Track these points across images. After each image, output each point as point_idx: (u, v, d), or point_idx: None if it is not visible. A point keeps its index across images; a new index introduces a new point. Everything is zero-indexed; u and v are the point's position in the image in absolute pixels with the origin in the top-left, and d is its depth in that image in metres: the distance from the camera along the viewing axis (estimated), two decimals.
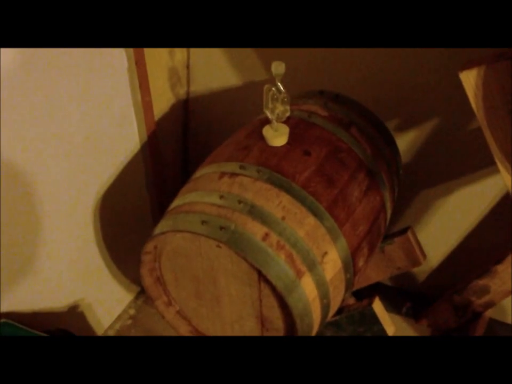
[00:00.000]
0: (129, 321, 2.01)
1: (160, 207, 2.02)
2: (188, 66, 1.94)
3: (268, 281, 1.21)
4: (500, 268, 1.60)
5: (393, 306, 1.97)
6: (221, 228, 1.21)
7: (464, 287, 1.70)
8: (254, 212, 1.23)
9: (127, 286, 2.04)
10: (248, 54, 1.81)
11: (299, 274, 1.22)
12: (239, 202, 1.24)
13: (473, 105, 1.10)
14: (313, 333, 1.33)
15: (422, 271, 1.96)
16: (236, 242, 1.20)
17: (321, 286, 1.26)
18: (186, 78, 1.96)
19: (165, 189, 2.01)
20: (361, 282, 1.69)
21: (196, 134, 2.09)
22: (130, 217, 1.93)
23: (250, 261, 1.19)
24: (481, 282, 1.65)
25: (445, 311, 1.79)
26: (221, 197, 1.26)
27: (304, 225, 1.26)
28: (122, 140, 1.76)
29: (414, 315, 1.96)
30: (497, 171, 1.23)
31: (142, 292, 2.09)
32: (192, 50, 1.89)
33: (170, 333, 1.57)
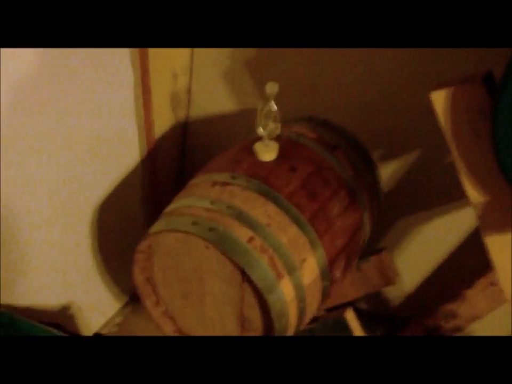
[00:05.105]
0: (115, 329, 2.07)
1: (154, 219, 2.10)
2: (189, 91, 2.06)
3: (250, 282, 1.31)
4: (469, 292, 1.69)
5: (367, 329, 2.02)
6: (210, 229, 1.32)
7: (434, 311, 1.77)
8: (241, 217, 1.34)
9: (116, 295, 2.10)
10: (247, 82, 1.94)
11: (279, 276, 1.32)
12: (228, 207, 1.36)
13: (441, 122, 1.24)
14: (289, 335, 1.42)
15: (397, 295, 2.05)
16: (223, 243, 1.30)
17: (299, 290, 1.36)
18: (187, 102, 2.09)
19: (160, 204, 2.10)
20: (339, 298, 1.78)
21: (193, 155, 2.20)
22: (124, 228, 2.01)
23: (235, 261, 1.30)
24: (450, 307, 1.73)
25: (417, 334, 1.87)
26: (212, 202, 1.37)
27: (287, 233, 1.37)
28: (123, 154, 1.86)
29: None
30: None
31: (130, 302, 2.15)
32: (194, 75, 2.01)
33: None
